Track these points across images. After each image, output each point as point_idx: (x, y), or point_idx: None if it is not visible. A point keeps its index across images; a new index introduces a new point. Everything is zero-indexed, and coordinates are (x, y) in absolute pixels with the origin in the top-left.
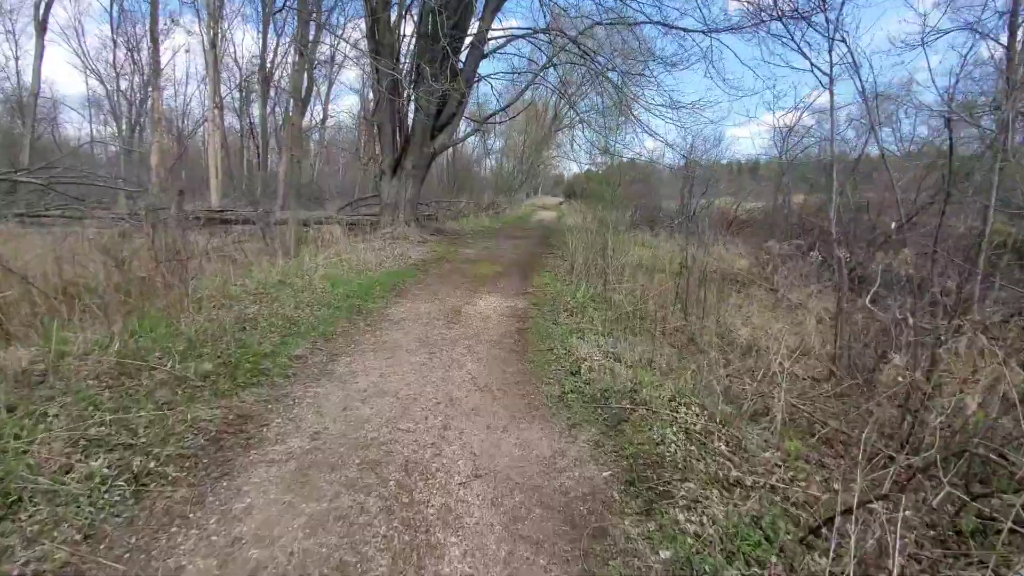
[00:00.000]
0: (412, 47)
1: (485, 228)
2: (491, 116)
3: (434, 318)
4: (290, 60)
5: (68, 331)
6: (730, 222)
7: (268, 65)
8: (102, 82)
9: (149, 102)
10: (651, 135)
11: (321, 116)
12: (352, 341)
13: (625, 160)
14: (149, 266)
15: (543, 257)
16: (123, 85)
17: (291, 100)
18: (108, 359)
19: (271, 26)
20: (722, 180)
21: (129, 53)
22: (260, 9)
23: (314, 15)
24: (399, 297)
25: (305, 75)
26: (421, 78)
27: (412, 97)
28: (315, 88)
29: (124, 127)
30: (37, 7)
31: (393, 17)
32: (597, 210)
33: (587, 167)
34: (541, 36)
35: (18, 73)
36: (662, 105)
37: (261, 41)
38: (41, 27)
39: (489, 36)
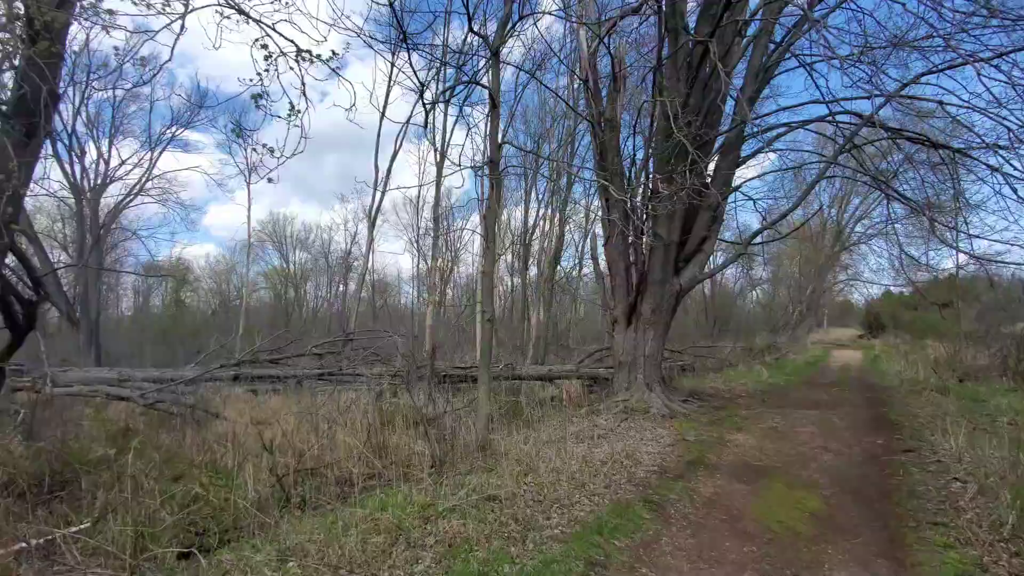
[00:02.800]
0: (646, 165)
1: (763, 385)
2: (755, 235)
3: None
4: (544, 224)
5: None
6: None
7: (528, 230)
8: (424, 260)
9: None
10: None
11: (577, 267)
12: None
13: (966, 271)
14: None
15: (893, 460)
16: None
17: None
18: None
19: (534, 194)
20: None
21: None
22: (524, 181)
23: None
24: None
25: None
26: (658, 199)
27: (647, 225)
28: (570, 238)
29: (438, 296)
30: (368, 209)
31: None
32: (928, 346)
33: (893, 288)
34: (814, 126)
35: (371, 257)
36: None
37: (524, 207)
38: (371, 224)
39: (746, 134)
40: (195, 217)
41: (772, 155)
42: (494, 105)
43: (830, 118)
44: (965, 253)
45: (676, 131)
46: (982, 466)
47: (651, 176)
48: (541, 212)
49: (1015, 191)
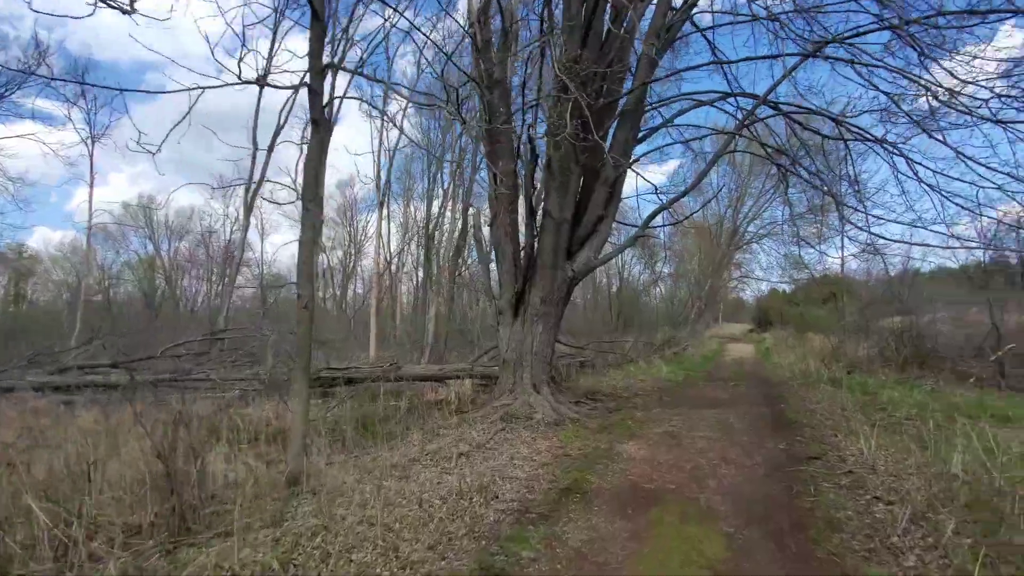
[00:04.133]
0: (537, 134)
1: (662, 381)
2: (653, 215)
3: None
4: (448, 215)
5: None
6: None
7: (432, 221)
8: (324, 251)
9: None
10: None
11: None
12: None
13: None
14: None
15: (800, 471)
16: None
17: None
18: None
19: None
20: None
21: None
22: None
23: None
24: None
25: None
26: (551, 172)
27: (538, 198)
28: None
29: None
30: (247, 192)
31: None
32: (812, 339)
33: (779, 285)
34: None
35: (262, 251)
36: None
37: (427, 197)
38: (248, 209)
39: (647, 105)
40: (36, 197)
41: (676, 145)
42: (316, 15)
43: (731, 97)
44: (873, 234)
45: (557, 71)
46: (901, 478)
47: (531, 144)
48: (446, 204)
49: (916, 173)
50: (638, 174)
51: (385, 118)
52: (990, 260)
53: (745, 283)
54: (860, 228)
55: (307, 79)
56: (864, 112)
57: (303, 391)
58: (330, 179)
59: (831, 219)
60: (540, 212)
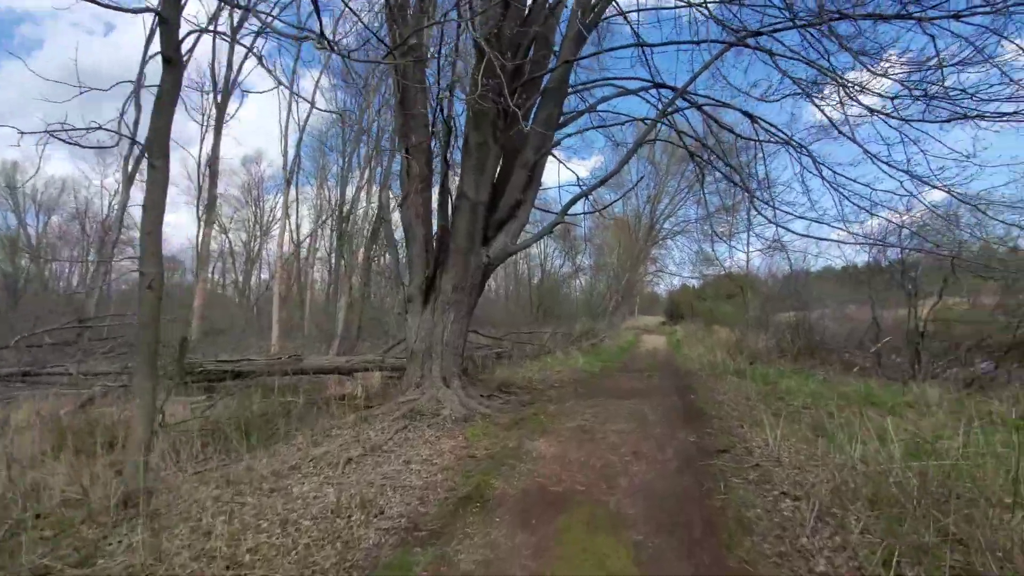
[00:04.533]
0: (451, 110)
1: (578, 372)
2: (573, 202)
3: None
4: (364, 197)
5: None
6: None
7: (347, 204)
8: (224, 232)
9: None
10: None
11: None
12: None
13: (761, 267)
14: None
15: (710, 465)
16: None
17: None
18: None
19: (355, 166)
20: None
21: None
22: (342, 147)
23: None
24: None
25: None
26: (468, 149)
27: (460, 188)
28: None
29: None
30: (127, 161)
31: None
32: (719, 332)
33: (689, 281)
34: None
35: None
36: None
37: (341, 177)
38: (128, 181)
39: (571, 88)
40: None
41: (599, 139)
42: None
43: (653, 88)
44: (781, 227)
45: (472, 28)
46: (804, 470)
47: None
48: (362, 186)
49: (820, 172)
50: (561, 162)
51: (263, 63)
52: (873, 260)
53: (659, 277)
54: (770, 221)
55: (158, 6)
56: (785, 96)
57: (146, 389)
58: (236, 153)
59: (740, 216)
60: (455, 193)
